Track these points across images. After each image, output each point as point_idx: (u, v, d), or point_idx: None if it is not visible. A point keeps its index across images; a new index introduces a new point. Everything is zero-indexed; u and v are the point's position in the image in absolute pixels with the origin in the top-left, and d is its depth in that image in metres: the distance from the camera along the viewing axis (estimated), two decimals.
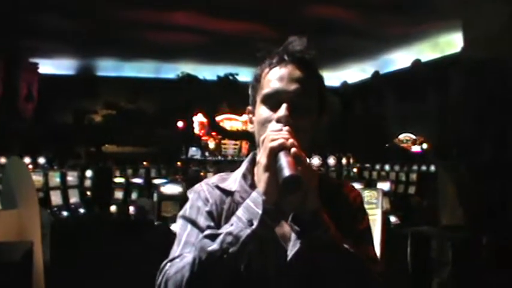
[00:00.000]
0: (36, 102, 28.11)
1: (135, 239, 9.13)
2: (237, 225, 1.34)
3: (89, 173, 14.11)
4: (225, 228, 1.36)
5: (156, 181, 11.29)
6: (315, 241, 1.34)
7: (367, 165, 18.31)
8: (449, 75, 18.99)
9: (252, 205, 1.35)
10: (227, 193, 1.55)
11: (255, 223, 1.32)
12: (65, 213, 10.99)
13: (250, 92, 1.61)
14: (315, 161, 11.73)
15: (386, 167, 17.77)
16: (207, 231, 1.39)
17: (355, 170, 13.59)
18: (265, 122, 1.48)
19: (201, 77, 31.69)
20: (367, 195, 5.28)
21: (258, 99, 1.55)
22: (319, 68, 1.57)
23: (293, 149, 1.31)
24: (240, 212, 1.36)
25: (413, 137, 29.28)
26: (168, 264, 1.43)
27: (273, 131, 1.38)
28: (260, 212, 1.32)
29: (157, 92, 30.37)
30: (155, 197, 8.48)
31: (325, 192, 1.47)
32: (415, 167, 17.08)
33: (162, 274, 1.41)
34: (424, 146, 28.10)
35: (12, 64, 25.96)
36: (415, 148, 28.80)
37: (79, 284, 6.76)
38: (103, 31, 24.59)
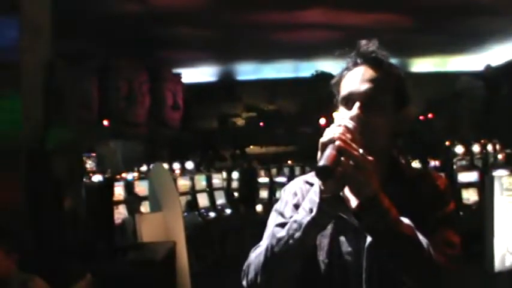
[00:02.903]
0: (182, 110, 29.25)
1: None
2: (301, 213, 1.52)
3: (235, 175, 14.57)
4: (293, 217, 1.53)
5: None
6: (373, 226, 1.42)
7: None
8: None
9: (313, 195, 1.50)
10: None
11: (314, 210, 1.47)
12: (212, 214, 11.41)
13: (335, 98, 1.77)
14: (458, 149, 11.30)
15: None
16: (279, 221, 1.61)
17: (499, 156, 12.79)
18: None
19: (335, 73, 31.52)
20: (507, 181, 4.97)
21: (339, 102, 1.71)
22: (394, 66, 1.69)
23: (337, 142, 1.39)
24: (305, 202, 1.54)
25: None
26: (253, 251, 1.63)
27: (331, 127, 1.48)
28: (317, 200, 1.47)
29: (296, 91, 30.66)
30: None
31: (401, 179, 1.63)
32: None
33: (248, 260, 1.62)
34: None
35: (158, 76, 27.25)
36: None
37: (224, 284, 6.97)
38: (239, 36, 25.16)
